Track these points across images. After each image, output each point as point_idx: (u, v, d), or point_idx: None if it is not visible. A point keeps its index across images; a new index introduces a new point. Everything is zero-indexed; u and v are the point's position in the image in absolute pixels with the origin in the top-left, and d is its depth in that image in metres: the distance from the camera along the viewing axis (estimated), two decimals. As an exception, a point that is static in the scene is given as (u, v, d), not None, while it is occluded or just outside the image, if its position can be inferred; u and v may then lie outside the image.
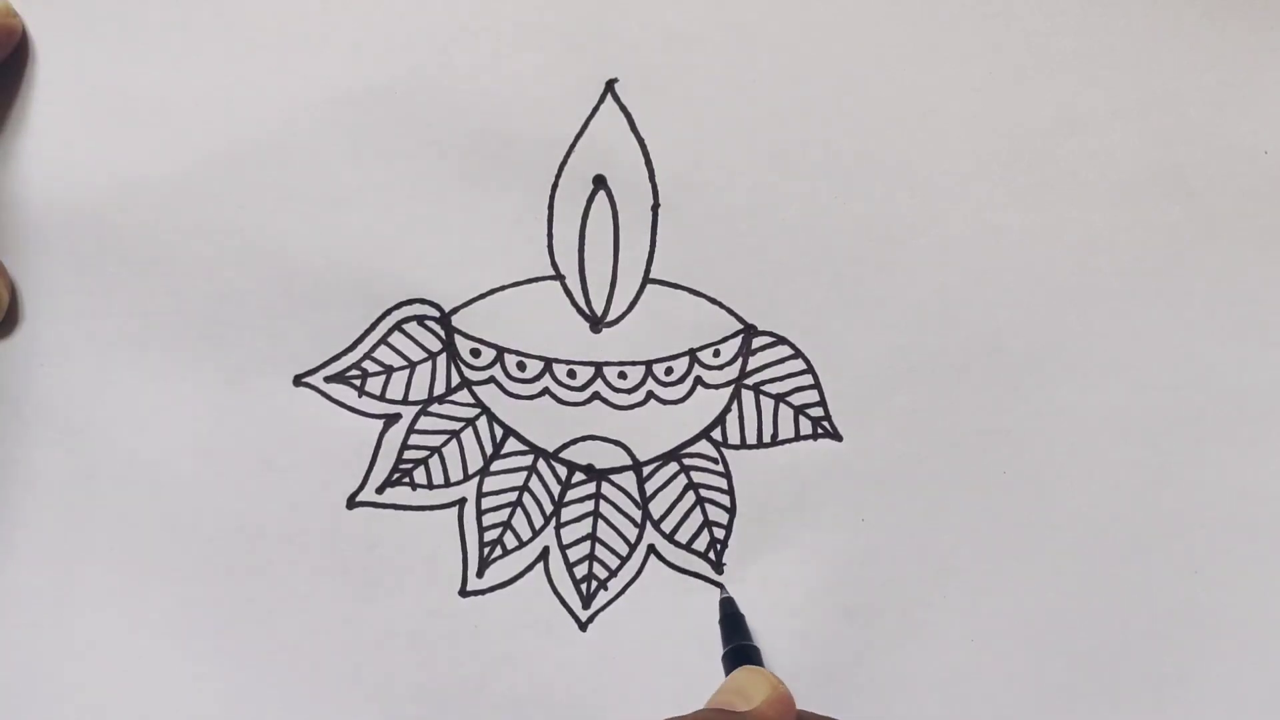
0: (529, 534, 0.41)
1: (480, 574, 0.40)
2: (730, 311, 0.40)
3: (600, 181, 0.40)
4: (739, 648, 0.39)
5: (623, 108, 0.39)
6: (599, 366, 0.40)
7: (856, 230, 0.40)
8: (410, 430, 0.40)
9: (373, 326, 0.40)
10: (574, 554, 0.40)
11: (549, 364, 0.40)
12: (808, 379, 0.40)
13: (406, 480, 0.40)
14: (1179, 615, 0.40)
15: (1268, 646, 0.41)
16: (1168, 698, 0.40)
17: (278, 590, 0.40)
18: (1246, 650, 0.41)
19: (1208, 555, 0.40)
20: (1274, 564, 0.40)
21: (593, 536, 0.41)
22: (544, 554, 0.41)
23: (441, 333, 0.40)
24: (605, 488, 0.41)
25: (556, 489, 0.40)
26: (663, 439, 0.40)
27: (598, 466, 0.40)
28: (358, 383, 0.40)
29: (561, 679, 0.40)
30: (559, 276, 0.40)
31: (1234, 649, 0.41)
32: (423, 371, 0.40)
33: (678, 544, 0.41)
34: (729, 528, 0.41)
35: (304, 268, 0.39)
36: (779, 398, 0.40)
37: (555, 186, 0.40)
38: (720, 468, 0.40)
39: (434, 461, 0.40)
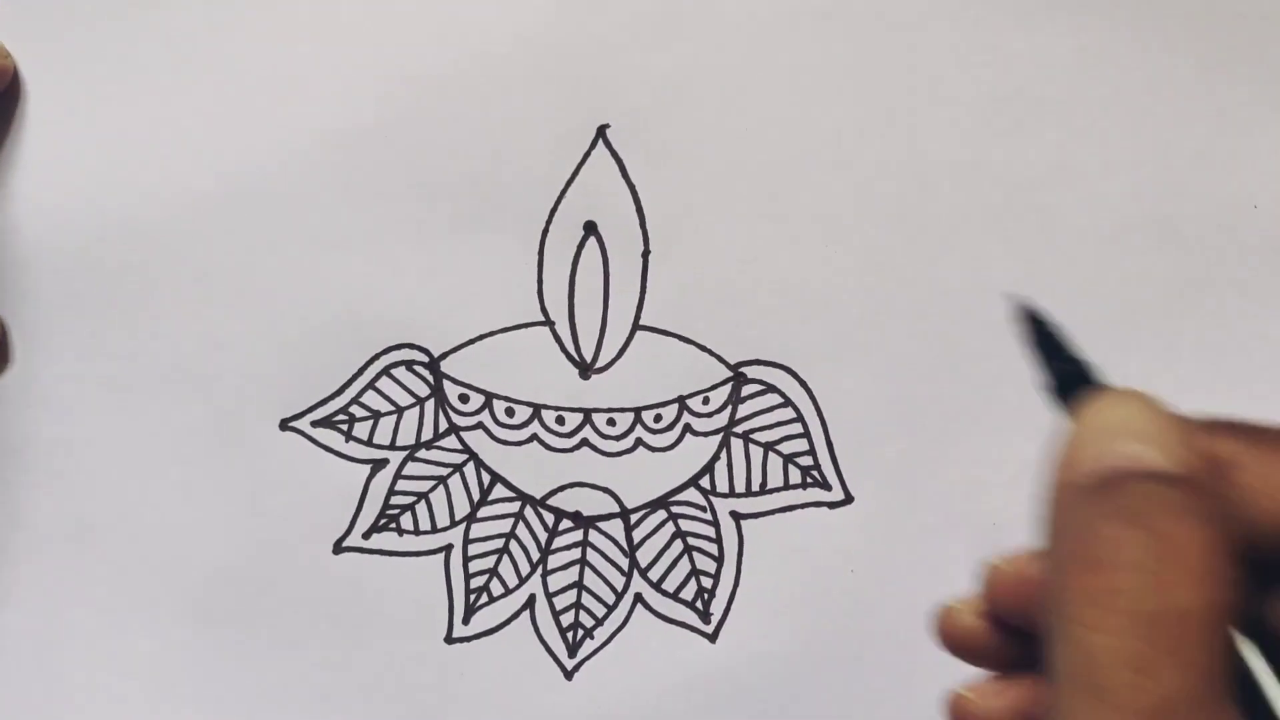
0: (515, 581, 0.40)
1: (466, 621, 0.40)
2: (720, 359, 0.40)
3: (591, 227, 0.40)
4: (1076, 374, 0.26)
5: (614, 154, 0.39)
6: (588, 413, 0.40)
7: (848, 278, 0.40)
8: (397, 476, 0.40)
9: (361, 371, 0.40)
10: (561, 602, 0.40)
11: (537, 410, 0.40)
12: (797, 427, 0.40)
13: (393, 526, 0.40)
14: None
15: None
16: None
17: (263, 635, 0.40)
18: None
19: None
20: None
21: (579, 584, 0.40)
22: (530, 601, 0.40)
23: (430, 378, 0.40)
24: (593, 535, 0.40)
25: (544, 536, 0.40)
26: (651, 486, 0.40)
27: (585, 514, 0.40)
28: (345, 427, 0.40)
29: (547, 728, 0.40)
30: (548, 322, 0.40)
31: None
32: (410, 417, 0.40)
33: (665, 593, 0.40)
34: (717, 577, 0.40)
35: (292, 311, 0.39)
36: (768, 446, 0.40)
37: (545, 232, 0.40)
38: (709, 516, 0.40)
39: (421, 507, 0.40)
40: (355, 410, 0.40)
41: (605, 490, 0.40)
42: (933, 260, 0.40)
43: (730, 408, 0.40)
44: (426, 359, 0.40)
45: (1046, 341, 0.27)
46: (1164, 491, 0.20)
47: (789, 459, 0.40)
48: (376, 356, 0.40)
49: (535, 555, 0.40)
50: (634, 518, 0.40)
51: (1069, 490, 0.21)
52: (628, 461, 0.40)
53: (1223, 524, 0.20)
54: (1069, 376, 0.26)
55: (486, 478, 0.40)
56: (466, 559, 0.40)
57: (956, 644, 0.28)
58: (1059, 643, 0.20)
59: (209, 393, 0.40)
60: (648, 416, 0.40)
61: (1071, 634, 0.20)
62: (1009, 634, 0.26)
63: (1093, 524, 0.20)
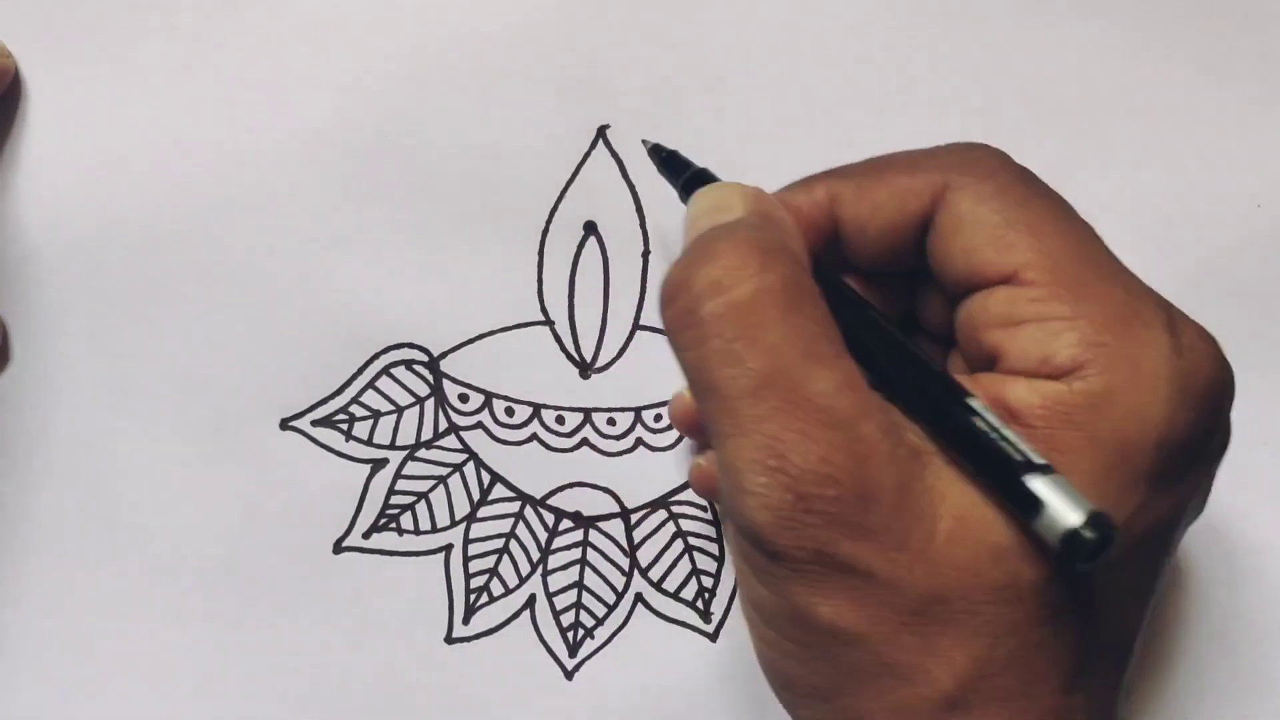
0: (516, 581, 0.40)
1: (466, 621, 0.40)
2: (720, 359, 0.40)
3: (591, 227, 0.40)
4: (695, 175, 0.34)
5: (614, 154, 0.39)
6: (588, 413, 0.40)
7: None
8: (397, 475, 0.40)
9: (361, 370, 0.40)
10: (561, 602, 0.40)
11: (537, 410, 0.40)
12: (797, 427, 0.40)
13: (393, 526, 0.40)
14: None
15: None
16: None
17: (262, 635, 0.40)
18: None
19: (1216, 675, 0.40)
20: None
21: (580, 584, 0.40)
22: (530, 601, 0.40)
23: (430, 377, 0.40)
24: (593, 535, 0.40)
25: (544, 536, 0.40)
26: (651, 486, 0.40)
27: (586, 513, 0.40)
28: (345, 427, 0.40)
29: (547, 728, 0.40)
30: (548, 322, 0.40)
31: None
32: (410, 416, 0.40)
33: (665, 592, 0.40)
34: (717, 576, 0.40)
35: (292, 311, 0.39)
36: (768, 446, 0.40)
37: (546, 232, 0.40)
38: (709, 516, 0.40)
39: (421, 507, 0.40)
40: (355, 410, 0.40)
41: (605, 490, 0.40)
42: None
43: (730, 407, 0.40)
44: (426, 359, 0.40)
45: (671, 161, 0.35)
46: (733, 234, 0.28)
47: (789, 459, 0.40)
48: (376, 356, 0.40)
49: (535, 555, 0.40)
50: (634, 517, 0.40)
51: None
52: (628, 461, 0.40)
53: (785, 242, 0.28)
54: (692, 181, 0.33)
55: (486, 477, 0.40)
56: (466, 559, 0.40)
57: (686, 426, 0.36)
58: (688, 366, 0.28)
59: (209, 393, 0.40)
60: (648, 416, 0.40)
61: (689, 356, 0.28)
62: None
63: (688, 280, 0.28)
